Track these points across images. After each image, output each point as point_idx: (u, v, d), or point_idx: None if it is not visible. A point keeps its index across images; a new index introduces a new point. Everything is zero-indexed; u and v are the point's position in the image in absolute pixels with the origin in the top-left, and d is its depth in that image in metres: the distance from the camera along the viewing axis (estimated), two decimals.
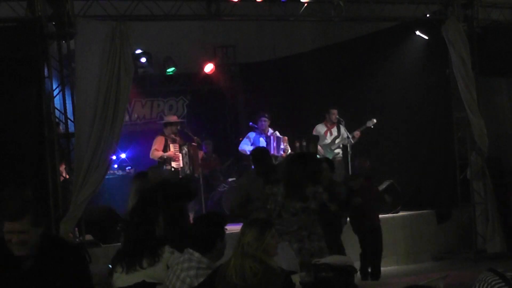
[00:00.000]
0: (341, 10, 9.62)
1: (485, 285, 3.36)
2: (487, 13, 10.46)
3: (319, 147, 11.65)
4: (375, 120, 11.49)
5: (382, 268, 8.90)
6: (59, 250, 4.02)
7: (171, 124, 11.14)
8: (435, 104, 11.22)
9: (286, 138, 11.69)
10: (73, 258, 4.03)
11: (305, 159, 6.91)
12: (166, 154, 10.81)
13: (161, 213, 5.85)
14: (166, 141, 10.91)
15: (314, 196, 6.53)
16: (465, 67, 10.06)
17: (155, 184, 6.81)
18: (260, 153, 8.42)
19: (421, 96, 11.42)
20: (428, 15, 10.49)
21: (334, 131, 11.81)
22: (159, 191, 6.21)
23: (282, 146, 11.54)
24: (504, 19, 10.58)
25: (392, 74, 11.86)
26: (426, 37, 11.09)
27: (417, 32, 11.13)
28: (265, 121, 11.61)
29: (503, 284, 3.33)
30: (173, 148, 10.89)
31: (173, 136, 11.01)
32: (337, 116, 11.69)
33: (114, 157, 8.72)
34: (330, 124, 11.80)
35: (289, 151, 11.64)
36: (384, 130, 11.85)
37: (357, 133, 11.58)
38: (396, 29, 11.41)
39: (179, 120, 11.69)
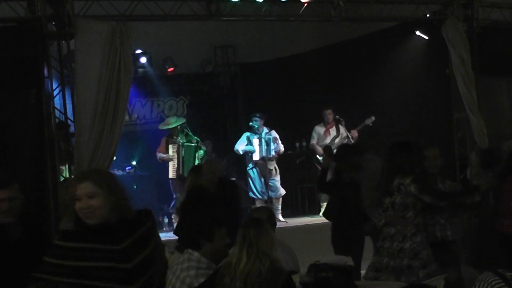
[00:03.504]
0: (341, 10, 9.60)
1: (485, 285, 3.37)
2: (487, 13, 10.44)
3: (319, 149, 11.63)
4: (373, 118, 11.50)
5: None
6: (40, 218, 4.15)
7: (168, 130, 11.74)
8: (435, 104, 11.21)
9: (276, 137, 11.61)
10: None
11: (391, 150, 6.35)
12: (164, 156, 11.36)
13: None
14: (167, 142, 11.46)
15: (398, 189, 6.04)
16: (465, 67, 10.04)
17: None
18: None
19: (421, 96, 11.41)
20: (428, 15, 10.48)
21: (333, 131, 11.79)
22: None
23: (272, 147, 11.44)
24: (504, 19, 10.57)
25: (392, 74, 11.85)
26: (426, 37, 11.07)
27: (417, 32, 11.11)
28: (256, 121, 11.54)
29: (503, 284, 3.33)
30: (171, 149, 11.31)
31: (174, 137, 11.45)
32: (337, 116, 11.67)
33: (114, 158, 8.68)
34: (328, 124, 11.79)
35: (282, 150, 11.57)
36: (384, 130, 11.83)
37: (354, 132, 11.57)
38: (396, 29, 11.40)
39: (172, 126, 11.74)
